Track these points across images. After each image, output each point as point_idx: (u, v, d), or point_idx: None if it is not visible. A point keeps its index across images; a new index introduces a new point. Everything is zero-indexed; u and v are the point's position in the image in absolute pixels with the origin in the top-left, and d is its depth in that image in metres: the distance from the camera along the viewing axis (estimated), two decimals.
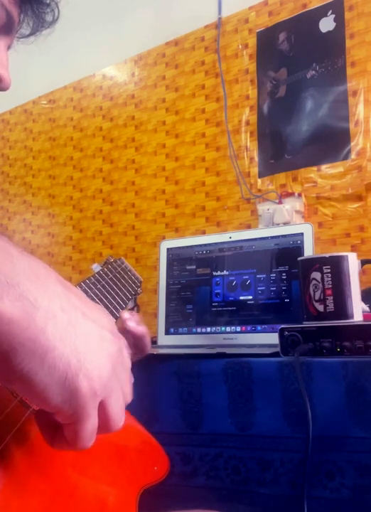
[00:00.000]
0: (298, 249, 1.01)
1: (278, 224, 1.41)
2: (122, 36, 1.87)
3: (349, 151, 1.36)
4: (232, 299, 1.07)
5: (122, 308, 0.76)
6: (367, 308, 0.90)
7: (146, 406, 0.85)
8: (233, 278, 1.07)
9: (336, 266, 0.80)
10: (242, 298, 1.06)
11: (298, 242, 1.02)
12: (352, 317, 0.79)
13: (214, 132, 1.63)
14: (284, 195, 1.46)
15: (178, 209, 1.69)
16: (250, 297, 1.05)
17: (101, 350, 0.34)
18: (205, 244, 1.13)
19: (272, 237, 1.05)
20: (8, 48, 0.53)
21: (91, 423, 0.34)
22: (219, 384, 0.81)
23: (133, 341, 0.70)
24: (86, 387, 0.32)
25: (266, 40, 1.54)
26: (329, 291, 0.80)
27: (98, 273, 0.79)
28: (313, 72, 1.44)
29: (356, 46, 1.38)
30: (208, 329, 1.08)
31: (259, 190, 1.52)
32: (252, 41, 1.57)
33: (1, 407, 0.46)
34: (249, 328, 1.03)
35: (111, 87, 1.92)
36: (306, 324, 0.81)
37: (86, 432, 0.34)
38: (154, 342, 1.16)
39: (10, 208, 2.21)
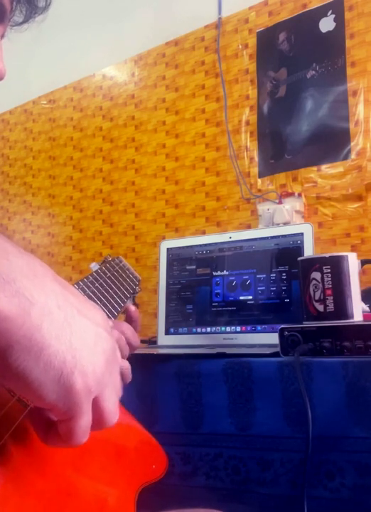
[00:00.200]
0: (298, 249, 1.01)
1: (278, 224, 1.41)
2: (122, 36, 1.88)
3: (349, 151, 1.36)
4: (232, 299, 1.07)
5: (120, 307, 0.76)
6: (367, 308, 0.90)
7: (146, 406, 0.85)
8: (233, 278, 1.07)
9: (336, 266, 0.80)
10: (242, 298, 1.06)
11: (298, 242, 1.02)
12: (352, 317, 0.79)
13: (214, 132, 1.63)
14: (284, 195, 1.46)
15: (178, 209, 1.69)
16: (250, 297, 1.05)
17: (96, 347, 0.34)
18: (205, 244, 1.13)
19: (272, 237, 1.05)
20: (2, 36, 0.52)
21: (85, 419, 0.34)
22: (219, 384, 0.81)
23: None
24: (81, 384, 0.32)
25: (266, 40, 1.54)
26: (329, 291, 0.80)
27: (96, 272, 0.78)
28: (313, 72, 1.44)
29: (356, 46, 1.38)
30: (208, 329, 1.08)
31: (259, 190, 1.52)
32: (252, 41, 1.57)
33: None
34: (249, 328, 1.03)
35: (111, 87, 1.92)
36: (306, 324, 0.81)
37: (80, 428, 0.34)
38: (154, 342, 1.16)
39: (10, 208, 2.22)
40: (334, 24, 1.41)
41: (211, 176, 1.63)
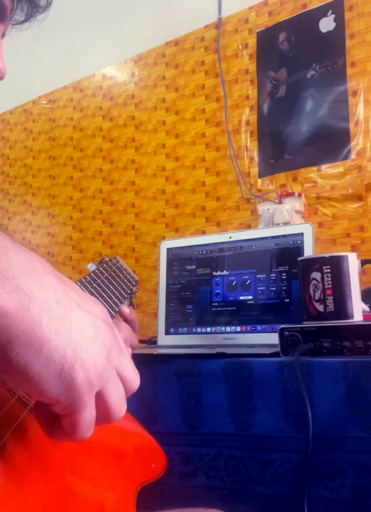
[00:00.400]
0: (298, 249, 1.01)
1: (278, 224, 1.41)
2: (122, 36, 1.88)
3: (349, 151, 1.36)
4: (232, 299, 1.07)
5: (118, 307, 0.76)
6: (367, 308, 0.90)
7: (146, 406, 0.85)
8: (233, 278, 1.07)
9: (336, 266, 0.80)
10: (242, 298, 1.06)
11: (298, 242, 1.02)
12: (352, 317, 0.79)
13: (214, 132, 1.63)
14: (284, 195, 1.46)
15: (178, 209, 1.69)
16: (250, 297, 1.05)
17: (95, 340, 0.34)
18: (205, 244, 1.13)
19: (272, 237, 1.05)
20: (3, 35, 0.52)
21: (88, 414, 0.34)
22: (219, 384, 0.81)
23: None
24: (82, 378, 0.32)
25: (266, 40, 1.54)
26: (329, 291, 0.80)
27: (93, 272, 0.78)
28: (313, 72, 1.44)
29: (356, 46, 1.38)
30: (208, 329, 1.08)
31: (259, 190, 1.52)
32: (252, 41, 1.57)
33: None
34: (249, 328, 1.03)
35: (111, 87, 1.92)
36: (306, 324, 0.81)
37: (83, 422, 0.34)
38: (154, 342, 1.16)
39: (10, 208, 2.22)
40: (334, 24, 1.41)
41: (211, 175, 1.63)
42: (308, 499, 0.68)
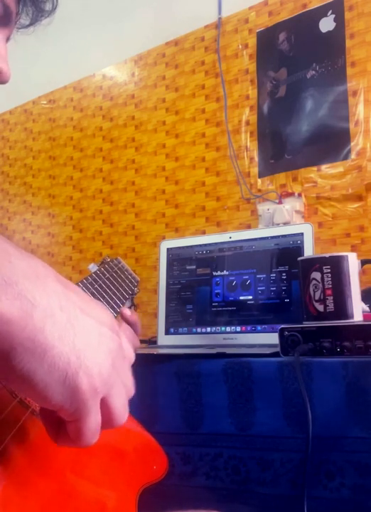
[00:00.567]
0: (298, 249, 1.01)
1: (278, 224, 1.41)
2: (122, 36, 1.88)
3: (349, 151, 1.36)
4: (232, 299, 1.07)
5: (119, 308, 0.76)
6: (367, 308, 0.90)
7: (146, 406, 0.85)
8: (233, 278, 1.07)
9: (336, 266, 0.80)
10: (242, 298, 1.06)
11: (298, 242, 1.02)
12: (352, 317, 0.79)
13: (214, 132, 1.63)
14: (284, 195, 1.46)
15: (178, 209, 1.69)
16: (250, 297, 1.05)
17: (100, 346, 0.34)
18: (205, 244, 1.13)
19: (272, 237, 1.05)
20: (8, 39, 0.52)
21: (93, 420, 0.34)
22: (219, 384, 0.81)
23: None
24: (86, 385, 0.32)
25: (266, 40, 1.54)
26: (329, 291, 0.80)
27: (95, 273, 0.78)
28: (313, 72, 1.44)
29: (356, 46, 1.38)
30: (208, 329, 1.08)
31: (259, 190, 1.52)
32: (252, 41, 1.57)
33: (1, 408, 0.45)
34: (249, 328, 1.03)
35: (111, 87, 1.92)
36: (306, 324, 0.81)
37: (89, 429, 0.34)
38: (154, 342, 1.16)
39: (10, 208, 2.22)
40: (334, 24, 1.41)
41: (211, 176, 1.63)
42: (308, 499, 0.68)
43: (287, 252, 1.03)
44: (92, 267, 0.83)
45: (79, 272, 1.93)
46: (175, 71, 1.74)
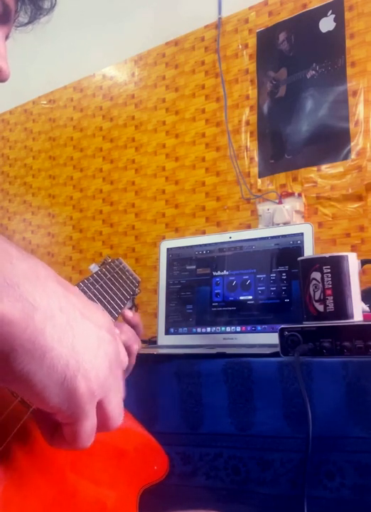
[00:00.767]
0: (298, 249, 1.01)
1: (278, 224, 1.41)
2: (122, 36, 1.88)
3: (349, 151, 1.36)
4: (232, 299, 1.07)
5: (121, 309, 0.76)
6: (367, 308, 0.90)
7: (146, 406, 0.85)
8: (233, 278, 1.08)
9: (336, 266, 0.80)
10: (242, 298, 1.06)
11: (298, 242, 1.02)
12: (352, 317, 0.79)
13: (214, 132, 1.63)
14: (284, 195, 1.46)
15: (178, 209, 1.69)
16: (250, 297, 1.05)
17: (98, 350, 0.34)
18: (205, 244, 1.13)
19: (272, 237, 1.05)
20: (6, 37, 0.52)
21: (89, 423, 0.34)
22: (219, 384, 0.81)
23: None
24: (84, 388, 0.32)
25: (266, 40, 1.54)
26: (329, 291, 0.80)
27: (96, 273, 0.78)
28: (313, 72, 1.44)
29: (356, 46, 1.38)
30: (208, 329, 1.08)
31: (259, 190, 1.52)
32: (252, 41, 1.57)
33: (2, 407, 0.45)
34: (249, 328, 1.03)
35: (111, 87, 1.92)
36: (306, 324, 0.81)
37: (85, 431, 0.34)
38: (154, 342, 1.16)
39: (10, 208, 2.22)
40: (334, 24, 1.41)
41: (211, 175, 1.63)
42: (308, 499, 0.68)
43: (287, 252, 1.03)
44: (93, 268, 0.82)
45: (79, 272, 1.93)
46: (175, 71, 1.74)
